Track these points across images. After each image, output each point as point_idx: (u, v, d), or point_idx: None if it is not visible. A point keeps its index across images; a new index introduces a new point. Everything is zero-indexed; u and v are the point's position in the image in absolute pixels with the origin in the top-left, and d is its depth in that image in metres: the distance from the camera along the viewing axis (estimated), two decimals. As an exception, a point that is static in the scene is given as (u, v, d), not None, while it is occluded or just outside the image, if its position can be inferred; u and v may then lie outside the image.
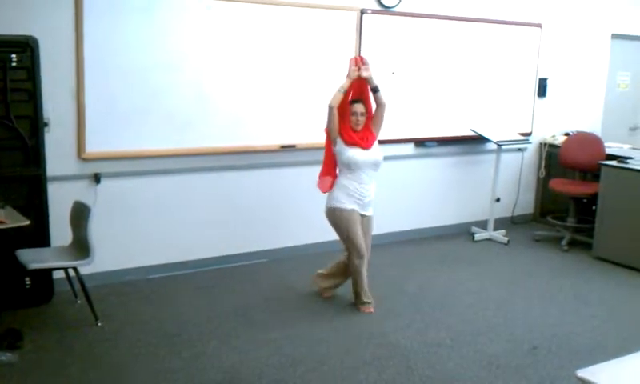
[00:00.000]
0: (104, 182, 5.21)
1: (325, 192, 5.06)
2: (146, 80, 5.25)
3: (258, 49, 5.73)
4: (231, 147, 5.72)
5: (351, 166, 4.87)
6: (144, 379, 3.93)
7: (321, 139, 5.96)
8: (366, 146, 4.88)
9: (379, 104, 5.00)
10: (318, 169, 6.13)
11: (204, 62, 5.48)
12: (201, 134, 5.55)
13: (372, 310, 5.02)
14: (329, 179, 5.07)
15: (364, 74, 4.93)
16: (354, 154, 4.85)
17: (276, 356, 4.26)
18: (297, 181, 6.16)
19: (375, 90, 4.97)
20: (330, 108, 4.88)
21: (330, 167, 5.10)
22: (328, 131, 4.98)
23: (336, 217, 4.94)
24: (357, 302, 5.07)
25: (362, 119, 4.91)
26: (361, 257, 4.95)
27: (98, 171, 5.17)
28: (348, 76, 4.92)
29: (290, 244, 6.23)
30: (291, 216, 6.19)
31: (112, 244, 5.27)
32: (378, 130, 5.06)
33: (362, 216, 4.98)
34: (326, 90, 6.07)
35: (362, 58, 5.01)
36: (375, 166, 4.94)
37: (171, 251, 5.63)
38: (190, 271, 5.68)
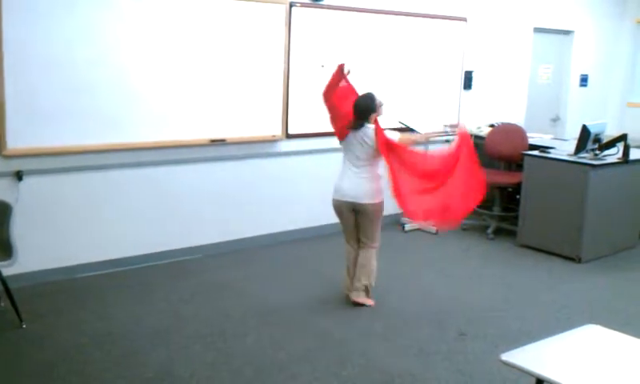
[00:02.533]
0: (27, 180, 5.04)
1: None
2: (70, 74, 5.09)
3: (186, 42, 5.65)
4: (159, 142, 5.63)
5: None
6: (71, 381, 3.83)
7: (251, 133, 6.00)
8: None
9: None
10: (250, 162, 6.14)
11: (130, 55, 5.36)
12: (128, 128, 5.44)
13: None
14: None
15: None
16: None
17: (208, 352, 4.23)
18: (228, 175, 6.12)
19: None
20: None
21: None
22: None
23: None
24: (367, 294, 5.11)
25: None
26: None
27: (20, 168, 5.00)
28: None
29: (221, 239, 6.18)
30: (222, 211, 6.15)
31: (37, 243, 5.11)
32: None
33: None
34: (255, 84, 6.07)
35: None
36: None
37: (100, 249, 5.50)
38: (119, 269, 5.56)
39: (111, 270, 5.52)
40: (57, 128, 5.09)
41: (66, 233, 5.31)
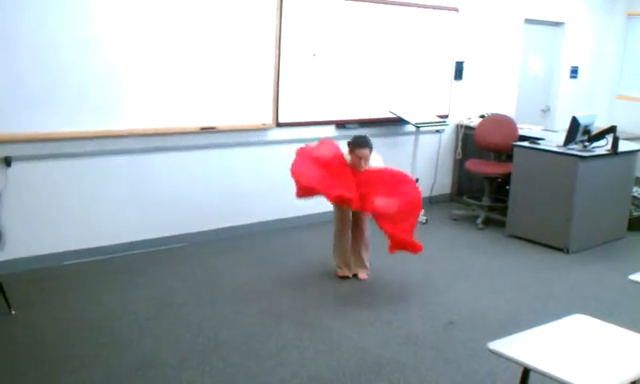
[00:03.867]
0: (15, 166, 5.00)
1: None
2: (59, 60, 5.05)
3: (177, 28, 5.61)
4: (149, 129, 5.60)
5: None
6: (59, 367, 3.82)
7: (241, 122, 6.00)
8: None
9: None
10: (240, 150, 6.13)
11: (120, 41, 5.32)
12: (118, 115, 5.41)
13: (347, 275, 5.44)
14: None
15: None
16: None
17: (198, 339, 4.23)
18: (217, 163, 6.10)
19: None
20: None
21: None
22: None
23: None
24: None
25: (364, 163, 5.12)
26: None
27: (8, 154, 4.97)
28: None
29: (209, 227, 6.17)
30: (210, 199, 6.14)
31: (25, 230, 5.08)
32: None
33: None
34: (246, 71, 6.05)
35: None
36: None
37: (88, 236, 5.47)
38: (107, 256, 5.55)
39: (100, 257, 5.51)
40: (45, 114, 5.05)
41: (54, 219, 5.29)
